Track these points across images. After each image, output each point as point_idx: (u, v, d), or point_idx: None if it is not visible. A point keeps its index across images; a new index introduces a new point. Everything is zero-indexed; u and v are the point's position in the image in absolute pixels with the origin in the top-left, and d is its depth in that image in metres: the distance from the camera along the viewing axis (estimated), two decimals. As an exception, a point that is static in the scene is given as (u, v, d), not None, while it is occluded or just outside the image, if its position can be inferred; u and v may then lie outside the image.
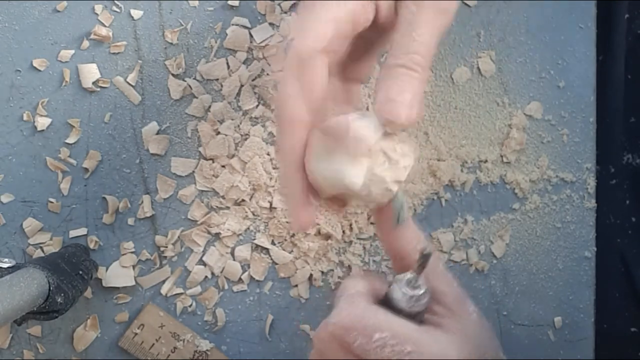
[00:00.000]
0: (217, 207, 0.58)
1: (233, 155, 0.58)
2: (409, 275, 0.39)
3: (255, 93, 0.58)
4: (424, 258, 0.38)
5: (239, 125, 0.58)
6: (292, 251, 0.59)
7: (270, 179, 0.58)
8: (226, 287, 0.59)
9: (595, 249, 0.61)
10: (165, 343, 0.58)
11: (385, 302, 0.40)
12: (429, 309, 0.41)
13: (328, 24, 0.39)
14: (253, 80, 0.58)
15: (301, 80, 0.38)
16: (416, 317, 0.39)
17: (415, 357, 0.37)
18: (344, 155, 0.38)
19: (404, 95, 0.38)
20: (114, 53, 0.58)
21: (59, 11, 0.57)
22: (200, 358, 0.58)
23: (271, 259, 0.59)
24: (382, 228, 0.43)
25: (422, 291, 0.39)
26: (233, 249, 0.59)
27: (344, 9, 0.39)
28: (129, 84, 0.58)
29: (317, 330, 0.40)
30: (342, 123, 0.38)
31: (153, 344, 0.58)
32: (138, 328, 0.58)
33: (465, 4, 0.60)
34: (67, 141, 0.57)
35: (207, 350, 0.58)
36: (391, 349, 0.37)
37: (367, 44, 0.44)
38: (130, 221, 0.58)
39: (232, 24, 0.58)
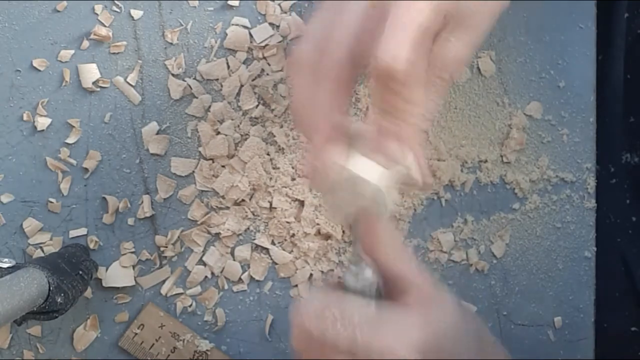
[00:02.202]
0: (217, 207, 0.58)
1: (233, 155, 0.58)
2: (353, 259, 0.42)
3: (255, 93, 0.58)
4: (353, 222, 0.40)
5: (239, 125, 0.58)
6: (292, 251, 0.59)
7: (270, 179, 0.58)
8: (226, 287, 0.59)
9: (595, 249, 0.61)
10: (165, 343, 0.58)
11: (342, 289, 0.41)
12: (394, 296, 0.42)
13: (423, 35, 0.38)
14: (253, 80, 0.58)
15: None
16: (371, 297, 0.41)
17: (364, 327, 0.37)
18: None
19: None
20: (114, 53, 0.58)
21: (59, 11, 0.57)
22: (200, 358, 0.58)
23: (271, 259, 0.59)
24: (371, 247, 0.43)
25: (362, 263, 0.41)
26: (233, 249, 0.59)
27: (430, 16, 0.38)
28: (129, 84, 0.58)
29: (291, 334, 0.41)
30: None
31: (153, 344, 0.58)
32: (138, 328, 0.58)
33: (465, 4, 0.60)
34: (67, 141, 0.57)
35: (207, 350, 0.58)
36: (341, 322, 0.38)
37: None
38: (130, 221, 0.58)
39: (232, 24, 0.58)
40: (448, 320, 0.40)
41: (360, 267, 0.41)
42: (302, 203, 0.58)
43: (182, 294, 0.59)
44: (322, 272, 0.59)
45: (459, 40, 0.40)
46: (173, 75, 0.58)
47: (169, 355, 0.58)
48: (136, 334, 0.58)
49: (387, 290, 0.42)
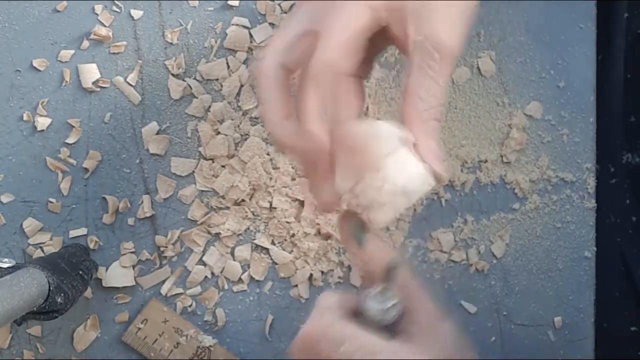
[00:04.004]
0: (217, 207, 0.58)
1: (233, 155, 0.58)
2: (378, 288, 0.40)
3: (255, 93, 0.58)
4: (389, 271, 0.39)
5: (239, 125, 0.58)
6: (292, 251, 0.59)
7: (270, 179, 0.58)
8: (226, 287, 0.59)
9: (595, 249, 0.61)
10: (169, 338, 0.58)
11: (358, 315, 0.40)
12: (404, 328, 0.41)
13: (356, 37, 0.39)
14: (253, 80, 0.58)
15: (338, 104, 0.39)
16: (388, 330, 0.39)
17: None
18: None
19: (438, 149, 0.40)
20: (114, 53, 0.58)
21: (59, 11, 0.57)
22: (203, 354, 0.58)
23: (271, 259, 0.59)
24: (348, 243, 0.43)
25: (390, 304, 0.39)
26: (233, 249, 0.59)
27: (364, 19, 0.39)
28: (129, 84, 0.58)
29: (293, 340, 0.40)
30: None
31: (156, 339, 0.58)
32: (142, 323, 0.58)
33: (465, 4, 0.60)
34: (67, 141, 0.57)
35: (210, 346, 0.58)
36: (359, 357, 0.37)
37: (370, 45, 0.44)
38: (130, 221, 0.58)
39: (232, 24, 0.58)
40: (443, 355, 0.40)
41: (388, 305, 0.39)
42: (302, 203, 0.58)
43: (182, 294, 0.59)
44: (322, 272, 0.59)
45: (437, 14, 0.40)
46: (173, 75, 0.58)
47: (172, 350, 0.58)
48: (139, 328, 0.58)
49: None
